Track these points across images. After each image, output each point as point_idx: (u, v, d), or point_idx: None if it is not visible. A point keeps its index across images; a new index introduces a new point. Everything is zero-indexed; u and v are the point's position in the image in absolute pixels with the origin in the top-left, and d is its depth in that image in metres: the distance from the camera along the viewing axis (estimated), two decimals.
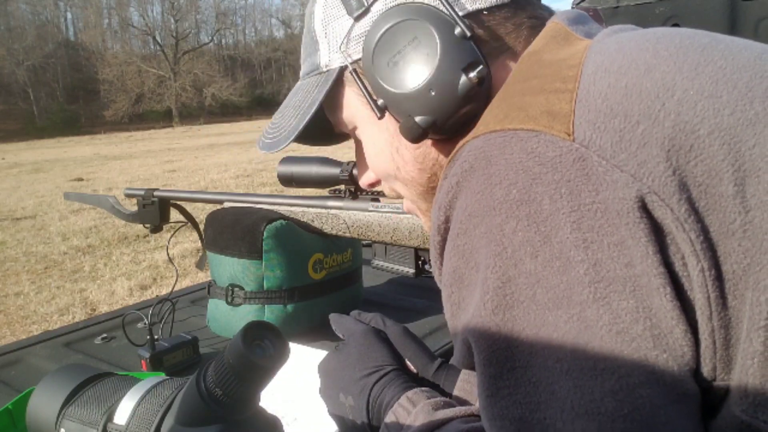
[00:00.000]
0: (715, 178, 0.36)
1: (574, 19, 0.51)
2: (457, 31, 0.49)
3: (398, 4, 0.51)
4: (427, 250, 1.01)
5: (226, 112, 41.10)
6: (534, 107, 0.41)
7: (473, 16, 0.51)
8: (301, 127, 0.58)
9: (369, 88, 0.54)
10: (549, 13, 0.55)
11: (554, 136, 0.39)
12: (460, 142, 0.45)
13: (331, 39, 0.56)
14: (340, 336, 0.74)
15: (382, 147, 0.59)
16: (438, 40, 0.49)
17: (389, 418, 0.59)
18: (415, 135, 0.51)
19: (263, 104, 44.08)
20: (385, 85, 0.51)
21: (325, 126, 0.65)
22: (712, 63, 0.40)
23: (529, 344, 0.38)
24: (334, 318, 0.76)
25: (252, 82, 45.22)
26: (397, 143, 0.57)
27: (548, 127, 0.40)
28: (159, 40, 43.80)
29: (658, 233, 0.36)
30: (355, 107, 0.59)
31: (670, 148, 0.37)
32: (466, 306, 0.43)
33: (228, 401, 0.43)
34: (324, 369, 0.70)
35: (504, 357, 0.39)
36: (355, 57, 0.54)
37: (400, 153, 0.58)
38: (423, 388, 0.61)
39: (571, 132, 0.39)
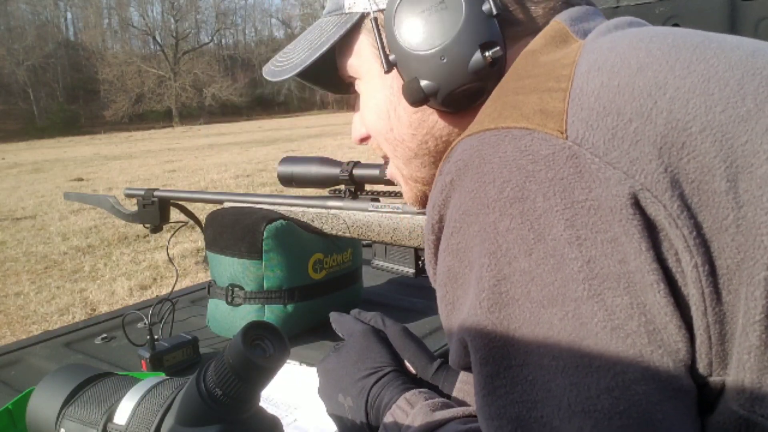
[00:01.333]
0: (707, 174, 0.36)
1: (577, 18, 0.51)
2: (485, 7, 0.49)
3: None
4: None
5: (226, 112, 41.08)
6: (527, 106, 0.42)
7: None
8: (309, 62, 0.59)
9: (384, 41, 0.54)
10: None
11: (547, 134, 0.39)
12: (455, 141, 0.45)
13: None
14: (340, 335, 0.74)
15: (381, 103, 0.59)
16: (464, 11, 0.49)
17: (388, 419, 0.59)
18: (416, 98, 0.52)
19: (263, 104, 44.12)
20: (400, 41, 0.52)
21: (332, 70, 0.65)
22: (704, 61, 0.40)
23: (524, 342, 0.38)
24: (334, 316, 0.76)
25: (252, 82, 45.06)
26: (396, 103, 0.58)
27: (541, 125, 0.40)
28: (159, 40, 43.84)
29: (651, 230, 0.36)
30: (365, 57, 0.59)
31: (663, 146, 0.37)
32: (460, 305, 0.43)
33: (228, 401, 0.43)
34: (323, 369, 0.70)
35: (500, 355, 0.39)
36: (381, 6, 0.55)
37: (397, 113, 0.58)
38: (421, 389, 0.61)
39: (564, 130, 0.39)
